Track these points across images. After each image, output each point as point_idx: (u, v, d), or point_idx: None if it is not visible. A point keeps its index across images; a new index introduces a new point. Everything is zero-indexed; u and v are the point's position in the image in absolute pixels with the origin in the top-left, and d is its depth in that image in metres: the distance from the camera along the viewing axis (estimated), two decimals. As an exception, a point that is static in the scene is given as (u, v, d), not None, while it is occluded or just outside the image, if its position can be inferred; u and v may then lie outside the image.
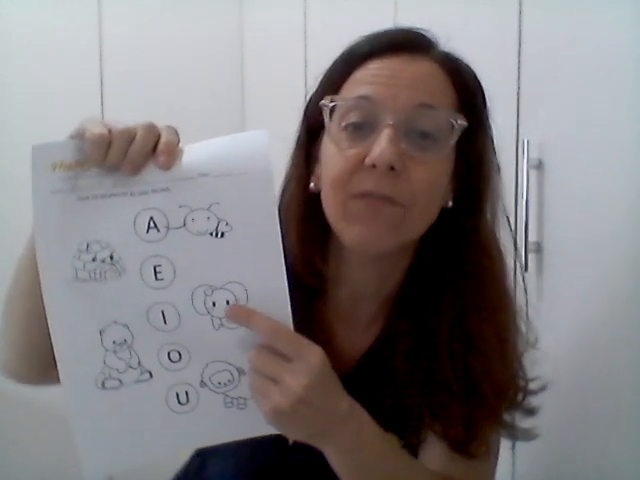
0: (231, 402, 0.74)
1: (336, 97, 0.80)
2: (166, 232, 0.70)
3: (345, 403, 0.72)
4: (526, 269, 1.36)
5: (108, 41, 2.19)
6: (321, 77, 0.87)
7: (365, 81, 0.79)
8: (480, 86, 0.86)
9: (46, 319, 0.73)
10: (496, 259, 0.87)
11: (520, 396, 0.89)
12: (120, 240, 0.71)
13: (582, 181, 1.29)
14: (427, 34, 0.85)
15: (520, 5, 1.37)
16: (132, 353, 0.73)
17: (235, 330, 0.72)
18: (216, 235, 0.70)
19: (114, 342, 0.73)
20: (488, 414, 0.84)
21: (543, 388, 0.91)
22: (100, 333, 0.73)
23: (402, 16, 1.64)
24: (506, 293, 0.88)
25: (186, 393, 0.75)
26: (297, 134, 0.89)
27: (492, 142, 0.87)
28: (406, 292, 0.87)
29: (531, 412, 0.90)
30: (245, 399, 0.74)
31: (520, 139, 1.38)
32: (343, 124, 0.79)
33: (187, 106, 2.16)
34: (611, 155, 1.24)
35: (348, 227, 0.79)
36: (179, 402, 0.75)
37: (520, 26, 1.38)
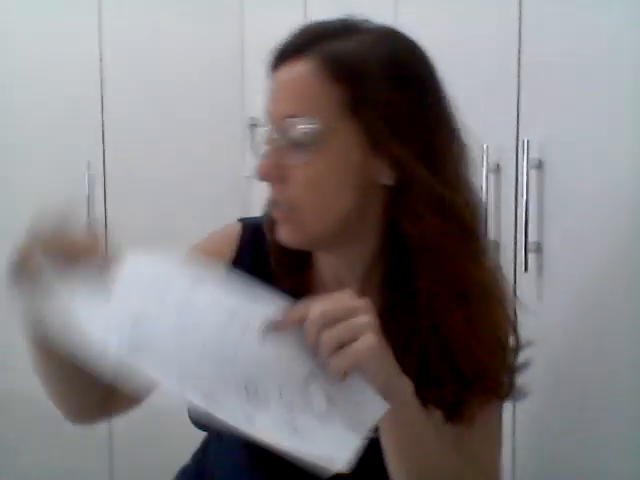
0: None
1: (251, 118, 0.87)
2: None
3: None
4: (526, 269, 1.36)
5: (108, 45, 2.19)
6: None
7: (266, 95, 0.84)
8: (390, 56, 0.82)
9: (78, 372, 0.78)
10: (456, 235, 0.84)
11: (507, 374, 0.88)
12: None
13: (582, 181, 1.30)
14: (318, 30, 0.83)
15: (520, 5, 1.37)
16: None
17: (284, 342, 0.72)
18: None
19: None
20: (474, 387, 0.84)
21: (526, 365, 0.90)
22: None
23: (402, 16, 1.64)
24: (478, 272, 0.85)
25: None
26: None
27: (425, 106, 0.83)
28: (387, 273, 0.88)
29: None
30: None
31: (520, 139, 1.38)
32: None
33: (187, 110, 2.17)
34: (611, 155, 1.25)
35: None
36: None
37: (520, 26, 1.38)
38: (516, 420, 1.43)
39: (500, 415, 0.93)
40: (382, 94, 0.80)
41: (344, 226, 0.84)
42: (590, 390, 1.30)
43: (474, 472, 0.87)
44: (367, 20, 0.87)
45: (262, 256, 0.92)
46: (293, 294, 0.79)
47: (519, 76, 1.38)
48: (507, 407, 1.34)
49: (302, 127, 0.79)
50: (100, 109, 2.20)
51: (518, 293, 1.42)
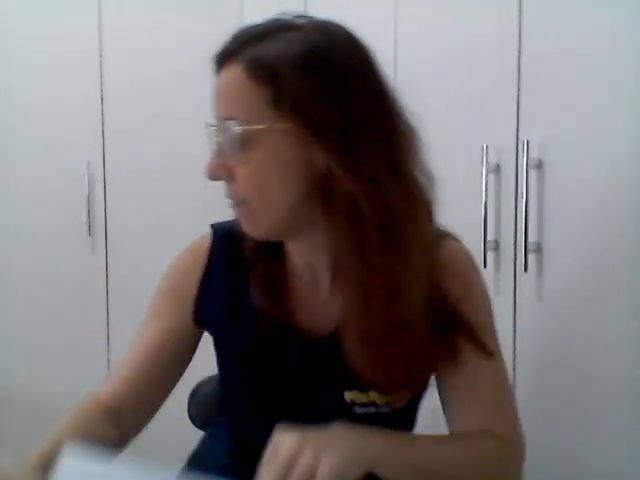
0: None
1: (207, 123, 0.91)
2: None
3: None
4: (526, 269, 1.36)
5: (108, 45, 2.18)
6: None
7: None
8: (308, 51, 0.84)
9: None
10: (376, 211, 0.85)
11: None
12: None
13: (582, 181, 1.30)
14: (242, 35, 0.87)
15: (520, 5, 1.38)
16: None
17: None
18: None
19: None
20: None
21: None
22: None
23: (402, 16, 1.64)
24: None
25: None
26: None
27: (351, 96, 0.84)
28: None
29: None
30: None
31: (520, 139, 1.38)
32: None
33: (187, 110, 2.16)
34: (611, 155, 1.25)
35: None
36: None
37: (520, 26, 1.38)
38: (516, 420, 1.43)
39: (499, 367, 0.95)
40: (302, 89, 0.83)
41: (296, 215, 0.87)
42: (590, 390, 1.30)
43: (495, 441, 0.90)
44: (302, 17, 0.89)
45: (236, 250, 0.96)
46: (268, 280, 0.91)
47: (519, 76, 1.39)
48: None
49: (236, 128, 0.84)
50: (100, 109, 2.20)
51: (518, 293, 1.42)
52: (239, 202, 0.88)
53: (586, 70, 1.27)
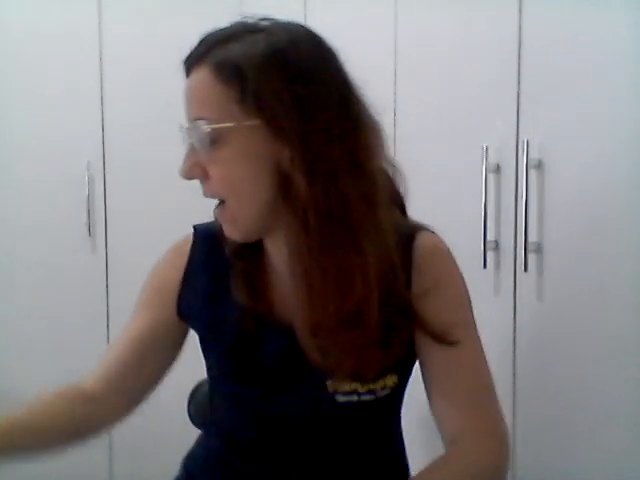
0: None
1: (181, 125, 0.92)
2: None
3: None
4: (526, 269, 1.36)
5: (108, 45, 2.19)
6: None
7: None
8: (270, 51, 0.86)
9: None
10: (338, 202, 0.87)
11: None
12: None
13: (582, 181, 1.30)
14: (209, 39, 0.91)
15: (520, 5, 1.38)
16: None
17: None
18: None
19: None
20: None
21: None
22: None
23: (402, 16, 1.64)
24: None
25: None
26: None
27: (314, 92, 0.87)
28: None
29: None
30: None
31: (520, 139, 1.38)
32: None
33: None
34: (611, 155, 1.25)
35: None
36: None
37: (520, 26, 1.38)
38: (516, 420, 1.43)
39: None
40: (265, 87, 0.85)
41: (271, 211, 0.89)
42: (590, 390, 1.30)
43: (481, 447, 0.93)
44: (266, 19, 0.92)
45: (217, 249, 0.99)
46: (249, 276, 0.95)
47: (519, 76, 1.39)
48: (507, 407, 1.34)
49: (205, 128, 0.87)
50: (100, 109, 2.20)
51: (518, 293, 1.42)
52: (219, 202, 0.91)
53: (586, 70, 1.27)
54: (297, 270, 0.89)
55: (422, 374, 0.96)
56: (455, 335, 0.92)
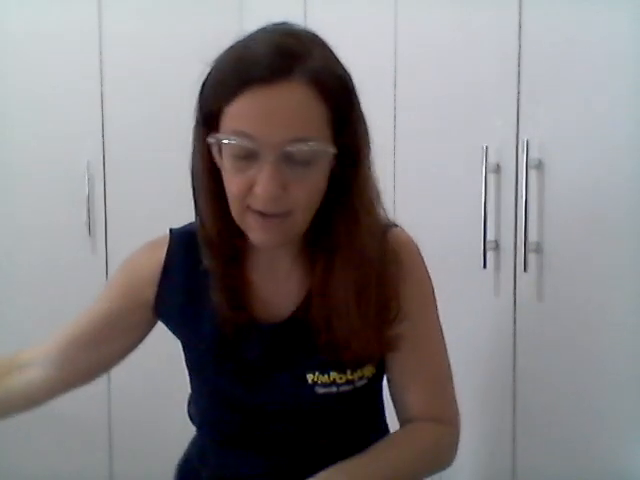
0: None
1: (220, 135, 0.88)
2: None
3: None
4: (526, 269, 1.36)
5: (108, 45, 2.19)
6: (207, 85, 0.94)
7: (242, 116, 0.85)
8: (344, 80, 0.91)
9: None
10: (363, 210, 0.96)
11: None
12: None
13: (582, 181, 1.30)
14: (294, 49, 0.86)
15: (520, 5, 1.38)
16: None
17: None
18: None
19: None
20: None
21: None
22: None
23: (402, 16, 1.64)
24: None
25: None
26: (195, 115, 0.97)
27: (361, 119, 0.94)
28: (310, 240, 0.98)
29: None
30: None
31: (520, 139, 1.38)
32: (229, 154, 0.88)
33: (188, 110, 2.16)
34: (611, 155, 1.25)
35: (248, 232, 0.92)
36: None
37: (520, 26, 1.38)
38: (516, 420, 1.43)
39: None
40: (352, 109, 0.90)
41: None
42: (590, 390, 1.30)
43: (431, 428, 1.01)
44: (300, 25, 0.93)
45: (193, 251, 0.99)
46: (228, 281, 0.96)
47: (519, 76, 1.39)
48: (507, 407, 1.34)
49: (308, 149, 0.85)
50: (100, 109, 2.20)
51: (518, 293, 1.42)
52: (285, 214, 0.89)
53: (586, 70, 1.27)
54: (323, 250, 0.95)
55: (385, 361, 1.02)
56: (418, 327, 1.00)
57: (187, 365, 1.06)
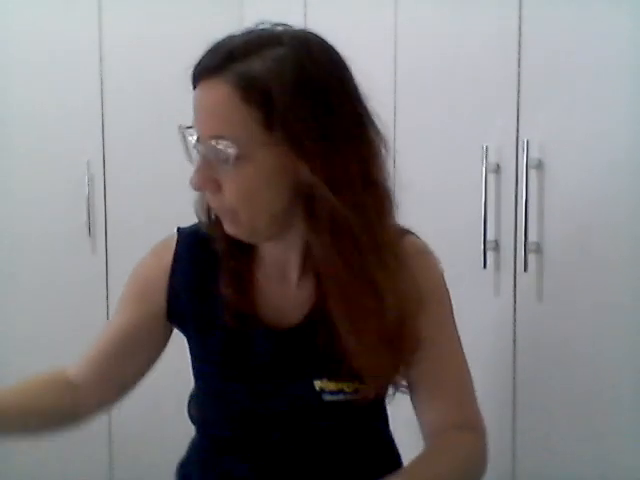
0: None
1: (180, 126, 0.92)
2: None
3: None
4: (526, 269, 1.36)
5: (108, 45, 2.19)
6: None
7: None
8: (301, 86, 0.86)
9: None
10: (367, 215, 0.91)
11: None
12: None
13: (582, 181, 1.30)
14: (233, 50, 0.86)
15: (520, 6, 1.38)
16: None
17: None
18: None
19: None
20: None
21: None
22: None
23: (402, 17, 1.64)
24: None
25: None
26: None
27: (334, 112, 0.88)
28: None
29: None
30: None
31: (520, 139, 1.38)
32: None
33: (188, 110, 2.16)
34: (611, 155, 1.25)
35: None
36: None
37: (520, 27, 1.38)
38: (516, 420, 1.43)
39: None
40: (292, 111, 0.85)
41: (279, 221, 0.92)
42: (590, 390, 1.30)
43: (465, 437, 0.97)
44: (281, 26, 0.90)
45: (202, 250, 0.99)
46: (237, 275, 0.96)
47: (519, 76, 1.39)
48: (507, 407, 1.34)
49: (224, 147, 0.85)
50: (100, 109, 2.20)
51: (518, 293, 1.42)
52: (227, 212, 0.91)
53: (586, 70, 1.27)
54: (327, 273, 0.91)
55: (406, 373, 0.99)
56: (437, 337, 0.97)
57: (193, 367, 1.05)
